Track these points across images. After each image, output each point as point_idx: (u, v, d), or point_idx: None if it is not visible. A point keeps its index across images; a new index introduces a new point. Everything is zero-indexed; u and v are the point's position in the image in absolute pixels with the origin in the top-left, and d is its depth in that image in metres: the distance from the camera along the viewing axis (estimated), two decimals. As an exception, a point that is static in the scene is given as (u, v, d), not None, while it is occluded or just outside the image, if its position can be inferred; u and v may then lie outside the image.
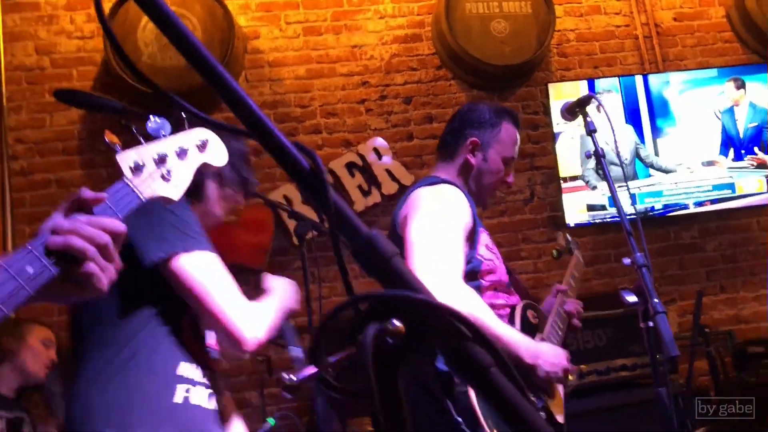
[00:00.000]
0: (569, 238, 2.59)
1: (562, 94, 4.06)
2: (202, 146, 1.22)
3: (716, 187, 4.13)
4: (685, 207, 4.11)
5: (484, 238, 2.10)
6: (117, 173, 1.06)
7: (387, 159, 4.04)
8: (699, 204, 4.12)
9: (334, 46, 4.18)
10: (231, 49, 3.79)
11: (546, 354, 1.90)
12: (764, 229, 4.35)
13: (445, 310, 0.53)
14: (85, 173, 3.84)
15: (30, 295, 0.85)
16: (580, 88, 4.10)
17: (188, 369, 1.58)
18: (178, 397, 1.53)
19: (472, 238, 2.05)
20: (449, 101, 4.20)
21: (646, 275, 1.79)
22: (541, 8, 4.18)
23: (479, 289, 2.01)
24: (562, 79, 4.28)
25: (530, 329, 2.08)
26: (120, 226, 0.93)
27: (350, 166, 4.03)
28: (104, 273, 0.90)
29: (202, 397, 1.58)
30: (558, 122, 3.99)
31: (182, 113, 1.29)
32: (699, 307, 3.42)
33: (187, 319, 1.59)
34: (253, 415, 3.68)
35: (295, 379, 0.50)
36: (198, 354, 1.61)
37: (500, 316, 2.04)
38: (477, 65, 4.11)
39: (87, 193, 0.94)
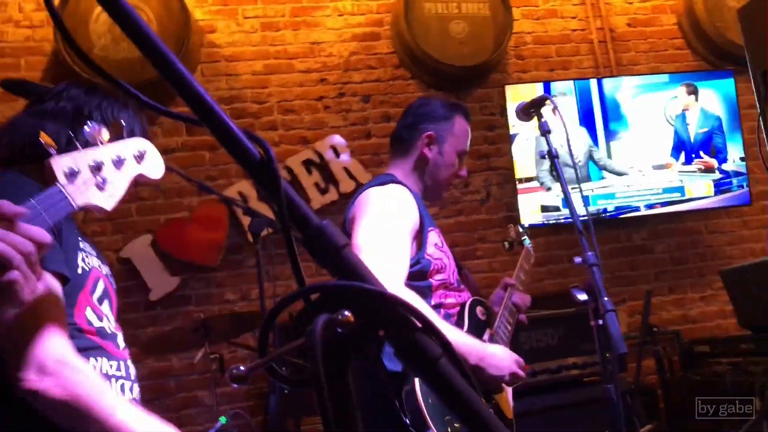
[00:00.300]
0: (521, 230, 2.63)
1: (518, 95, 4.11)
2: (140, 157, 1.20)
3: (666, 190, 4.23)
4: (636, 209, 4.20)
5: (433, 237, 2.11)
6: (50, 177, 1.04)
7: (345, 157, 4.03)
8: (649, 206, 4.22)
9: (292, 42, 4.15)
10: (187, 43, 3.73)
11: (492, 357, 1.91)
12: (711, 232, 4.49)
13: (395, 300, 0.52)
14: (33, 166, 3.73)
15: None
16: (536, 90, 4.16)
17: (101, 363, 1.42)
18: None
19: (420, 238, 2.06)
20: (407, 100, 4.19)
21: (597, 274, 1.82)
22: (499, 11, 4.22)
23: (429, 289, 2.02)
24: (518, 81, 4.34)
25: (479, 326, 2.10)
26: (45, 236, 0.89)
27: (307, 164, 4.01)
28: (27, 283, 0.87)
29: (117, 389, 1.43)
30: (514, 124, 4.04)
31: (121, 121, 1.26)
32: (648, 306, 3.50)
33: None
34: (205, 414, 3.63)
35: (243, 368, 0.50)
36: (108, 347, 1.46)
37: (450, 315, 2.06)
38: (435, 65, 4.13)
39: (6, 207, 0.89)
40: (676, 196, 4.24)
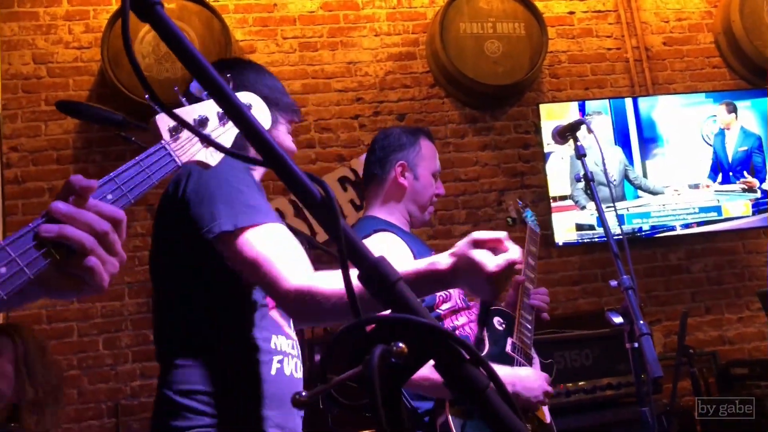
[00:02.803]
0: (520, 203, 2.56)
1: (553, 114, 4.13)
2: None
3: (703, 210, 4.20)
4: (672, 229, 4.18)
5: None
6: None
7: (379, 174, 4.08)
8: (686, 226, 4.18)
9: (329, 62, 4.23)
10: (228, 63, 3.83)
11: (523, 380, 1.93)
12: (749, 252, 4.43)
13: (445, 333, 0.57)
14: (79, 182, 3.85)
15: (29, 278, 0.75)
16: (571, 109, 4.18)
17: (281, 341, 1.59)
18: (273, 369, 1.54)
19: None
20: (442, 119, 4.26)
21: (632, 297, 1.84)
22: (535, 30, 4.25)
23: (438, 319, 2.04)
24: (553, 100, 4.36)
25: (501, 337, 2.11)
26: (120, 213, 0.82)
27: (343, 181, 4.07)
28: (105, 267, 0.80)
29: (292, 368, 1.61)
30: (549, 142, 4.05)
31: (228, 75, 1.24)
32: (684, 327, 3.47)
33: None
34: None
35: (305, 394, 0.54)
36: (285, 325, 1.63)
37: (465, 334, 2.08)
38: (470, 84, 4.17)
39: (78, 181, 0.82)
40: (712, 215, 4.20)
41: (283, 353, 1.58)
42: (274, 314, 1.62)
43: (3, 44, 3.94)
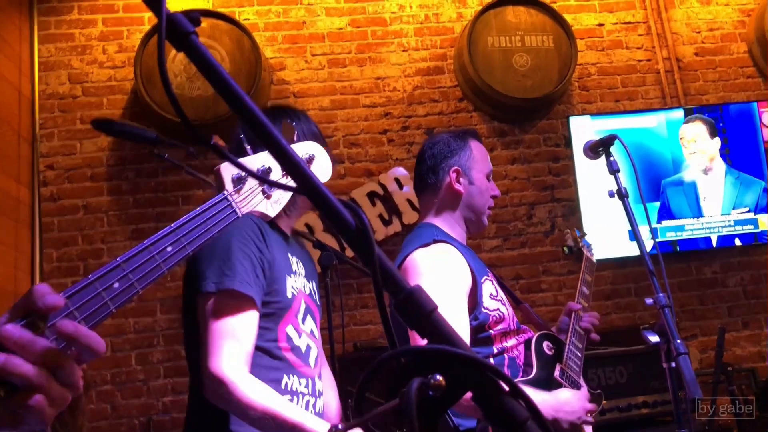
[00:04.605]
0: (578, 233, 2.53)
1: (583, 127, 4.09)
2: (309, 161, 1.18)
3: (738, 222, 4.12)
4: (708, 242, 4.10)
5: (487, 288, 2.06)
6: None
7: (408, 189, 4.09)
8: (721, 239, 4.10)
9: (357, 78, 4.25)
10: (258, 81, 3.87)
11: (564, 404, 1.90)
12: (787, 266, 4.32)
13: (483, 364, 0.56)
14: (112, 199, 3.92)
15: None
16: (601, 122, 4.13)
17: (293, 381, 1.66)
18: None
19: (474, 294, 2.01)
20: (471, 133, 4.24)
21: (669, 315, 1.80)
22: (563, 43, 4.23)
23: (489, 339, 2.01)
24: (583, 113, 4.32)
25: (549, 362, 2.08)
26: (100, 342, 0.71)
27: (371, 196, 4.08)
28: (54, 405, 0.67)
29: (302, 405, 1.67)
30: (579, 155, 4.01)
31: (293, 123, 1.25)
32: (721, 344, 3.39)
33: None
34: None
35: (342, 426, 0.54)
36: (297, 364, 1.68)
37: (512, 357, 2.05)
38: (498, 98, 4.15)
39: (42, 296, 0.68)
40: (749, 228, 4.11)
41: (293, 392, 1.64)
42: (290, 355, 1.66)
43: (41, 65, 4.04)
